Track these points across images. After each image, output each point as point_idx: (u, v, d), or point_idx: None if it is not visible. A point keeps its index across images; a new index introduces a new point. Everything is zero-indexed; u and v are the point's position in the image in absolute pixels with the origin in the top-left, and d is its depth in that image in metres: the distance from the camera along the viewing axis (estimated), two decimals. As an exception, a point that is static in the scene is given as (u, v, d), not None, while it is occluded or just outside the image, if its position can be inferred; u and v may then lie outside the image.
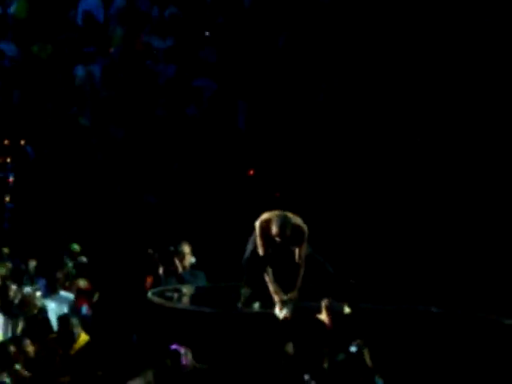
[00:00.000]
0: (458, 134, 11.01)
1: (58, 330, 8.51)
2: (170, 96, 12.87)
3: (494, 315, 7.25)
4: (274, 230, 7.27)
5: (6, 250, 10.59)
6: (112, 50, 13.75)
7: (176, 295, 8.19)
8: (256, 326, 7.18)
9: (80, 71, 13.34)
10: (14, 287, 9.15)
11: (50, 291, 9.69)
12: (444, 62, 11.37)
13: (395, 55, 11.67)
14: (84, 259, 10.41)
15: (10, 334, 8.80)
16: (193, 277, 9.11)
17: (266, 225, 7.36)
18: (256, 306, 7.45)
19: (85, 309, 9.69)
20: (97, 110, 13.09)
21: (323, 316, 6.97)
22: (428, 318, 7.34)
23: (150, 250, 9.84)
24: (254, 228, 7.46)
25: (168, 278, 9.20)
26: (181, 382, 6.93)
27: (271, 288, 7.29)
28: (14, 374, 7.74)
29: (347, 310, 7.00)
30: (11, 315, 8.93)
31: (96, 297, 9.82)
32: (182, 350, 6.94)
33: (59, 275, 9.75)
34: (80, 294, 9.79)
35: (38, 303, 9.07)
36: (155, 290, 8.33)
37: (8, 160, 12.32)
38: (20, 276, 9.94)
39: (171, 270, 9.31)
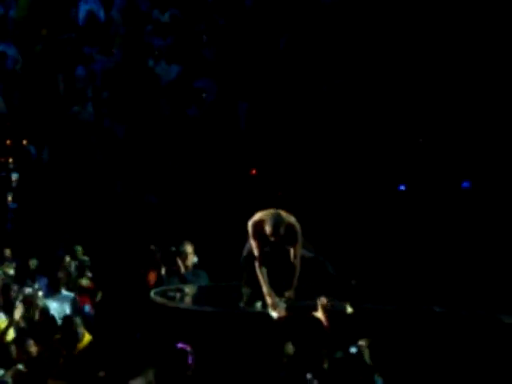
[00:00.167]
0: (457, 132, 11.01)
1: (61, 330, 8.52)
2: (171, 96, 12.89)
3: (496, 314, 7.25)
4: (268, 229, 7.25)
5: (8, 252, 10.59)
6: (114, 50, 13.79)
7: (178, 295, 8.19)
8: (257, 326, 7.19)
9: (81, 71, 13.37)
10: (15, 287, 9.16)
11: (52, 291, 9.70)
12: (443, 58, 11.37)
13: (395, 56, 11.68)
14: (87, 259, 10.43)
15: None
16: (195, 277, 9.10)
17: (258, 225, 7.33)
18: (258, 305, 7.44)
19: (87, 308, 9.72)
20: (98, 109, 13.11)
21: (319, 314, 6.96)
22: (430, 317, 7.33)
23: (153, 247, 9.85)
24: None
25: (170, 278, 9.20)
26: (185, 381, 6.93)
27: (264, 290, 7.28)
28: (15, 374, 7.76)
29: (349, 309, 7.00)
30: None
31: (99, 296, 9.84)
32: (189, 349, 6.94)
33: (61, 275, 9.76)
34: (83, 294, 9.82)
35: (40, 303, 9.07)
36: (158, 289, 8.34)
37: (10, 160, 12.34)
38: (22, 276, 9.95)
39: (173, 270, 9.32)
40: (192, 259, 9.30)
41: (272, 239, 7.27)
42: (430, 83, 11.32)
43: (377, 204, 10.84)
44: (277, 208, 7.51)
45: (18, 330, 8.56)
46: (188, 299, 8.26)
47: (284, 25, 12.70)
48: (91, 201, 12.08)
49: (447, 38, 11.43)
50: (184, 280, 8.94)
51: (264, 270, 7.33)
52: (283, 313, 7.13)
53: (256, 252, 7.36)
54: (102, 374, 7.95)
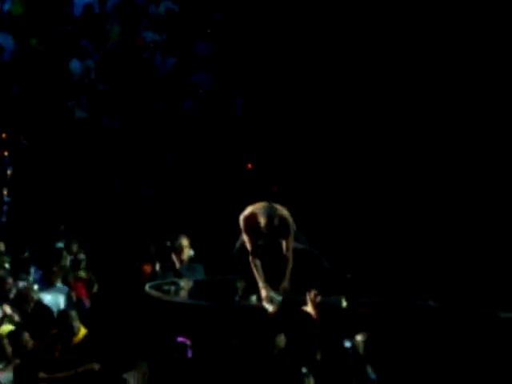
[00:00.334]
0: (456, 128, 11.01)
1: (57, 324, 8.51)
2: (167, 90, 12.88)
3: (492, 309, 7.25)
4: (262, 221, 7.22)
5: (2, 245, 10.57)
6: (110, 43, 13.76)
7: (173, 288, 8.18)
8: (252, 319, 7.18)
9: (76, 65, 13.35)
10: (10, 281, 9.15)
11: (46, 284, 9.69)
12: (442, 55, 11.37)
13: (393, 51, 11.67)
14: (82, 255, 10.42)
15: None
16: (191, 271, 9.07)
17: (250, 218, 7.31)
18: (253, 298, 7.43)
19: (83, 301, 9.71)
20: (94, 103, 13.09)
21: (309, 308, 6.96)
22: (426, 312, 7.32)
23: (148, 241, 9.84)
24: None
25: (165, 274, 9.18)
26: (183, 374, 6.94)
27: (259, 283, 7.27)
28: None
29: (344, 303, 6.99)
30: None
31: (95, 288, 9.84)
32: (188, 342, 6.94)
33: (55, 268, 9.75)
34: (78, 287, 9.81)
35: (35, 297, 9.07)
36: (152, 283, 8.33)
37: (5, 153, 12.32)
38: (17, 270, 9.95)
39: (168, 266, 9.30)
40: (188, 253, 9.28)
41: (265, 231, 7.26)
42: (428, 78, 11.32)
43: (372, 198, 10.84)
44: (270, 202, 7.51)
45: (13, 324, 8.56)
46: (183, 293, 8.25)
47: (281, 19, 12.69)
48: (86, 194, 12.07)
49: (443, 31, 11.43)
50: (179, 275, 8.92)
51: (258, 263, 7.32)
52: (276, 308, 7.12)
53: (249, 246, 7.35)
54: (96, 366, 7.96)
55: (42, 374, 8.00)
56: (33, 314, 8.85)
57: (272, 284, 7.33)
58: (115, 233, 11.40)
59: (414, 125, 11.33)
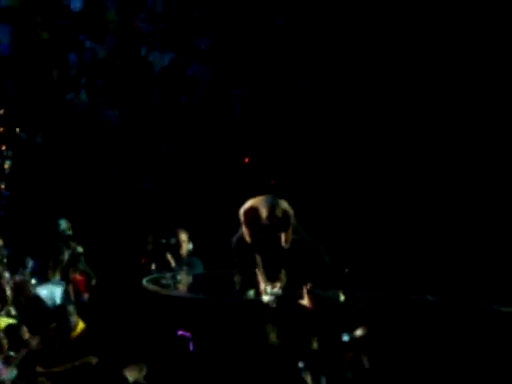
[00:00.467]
0: (454, 124, 11.01)
1: (55, 318, 8.52)
2: (165, 83, 12.87)
3: (489, 302, 7.26)
4: (264, 212, 7.20)
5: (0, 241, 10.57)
6: (107, 37, 13.75)
7: (171, 282, 8.18)
8: (249, 314, 7.18)
9: (74, 58, 13.34)
10: (7, 275, 9.15)
11: (42, 278, 9.68)
12: (440, 51, 11.37)
13: (392, 46, 11.66)
14: (80, 249, 10.41)
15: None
16: (189, 267, 9.04)
17: (250, 212, 7.30)
18: (251, 293, 7.43)
19: (81, 296, 9.71)
20: (92, 96, 13.08)
21: (305, 301, 6.97)
22: (423, 305, 7.33)
23: (147, 234, 9.83)
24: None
25: (161, 272, 9.12)
26: (185, 368, 6.94)
27: (260, 278, 7.27)
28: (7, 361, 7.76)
29: (342, 297, 7.00)
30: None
31: (93, 282, 9.83)
32: (189, 336, 6.94)
33: (51, 263, 9.74)
34: (76, 281, 9.81)
35: (32, 290, 9.07)
36: (150, 277, 8.33)
37: (3, 147, 12.30)
38: (14, 264, 9.94)
39: (163, 264, 9.26)
40: (186, 247, 9.26)
41: (267, 223, 7.22)
42: (427, 73, 11.32)
43: (370, 193, 10.84)
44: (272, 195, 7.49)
45: (10, 318, 8.56)
46: (181, 287, 8.24)
47: (280, 11, 12.67)
48: (84, 188, 12.05)
49: (441, 27, 11.42)
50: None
51: (258, 256, 7.30)
52: (275, 301, 7.13)
53: (248, 239, 7.32)
54: (94, 360, 7.96)
55: (39, 368, 8.01)
56: (29, 308, 8.85)
57: (270, 277, 7.32)
58: (114, 226, 11.39)
59: (411, 118, 11.32)
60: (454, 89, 11.15)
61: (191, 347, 7.00)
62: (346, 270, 7.73)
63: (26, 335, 8.13)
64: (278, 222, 7.26)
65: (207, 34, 13.15)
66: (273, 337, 6.82)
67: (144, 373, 7.19)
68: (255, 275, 7.36)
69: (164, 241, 9.34)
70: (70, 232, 10.62)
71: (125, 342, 8.16)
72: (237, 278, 7.52)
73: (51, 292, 9.40)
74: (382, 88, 11.50)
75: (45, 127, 12.82)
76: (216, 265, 9.16)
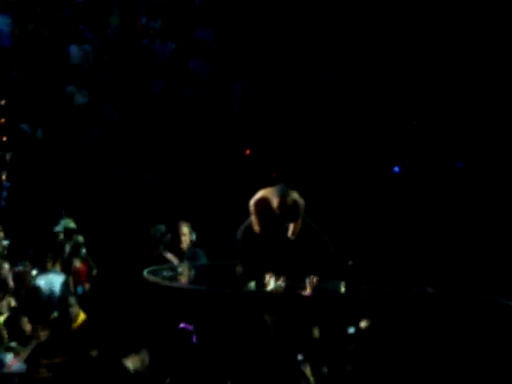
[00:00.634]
0: (452, 116, 11.01)
1: (56, 309, 8.52)
2: (166, 76, 12.86)
3: (490, 295, 7.26)
4: (275, 201, 7.17)
5: (1, 233, 10.57)
6: (109, 30, 13.73)
7: (174, 274, 8.17)
8: (251, 306, 7.18)
9: (75, 50, 13.31)
10: (6, 266, 9.15)
11: (40, 269, 9.68)
12: (439, 44, 11.36)
13: (392, 42, 11.66)
14: (81, 239, 10.41)
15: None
16: (192, 258, 8.98)
17: (261, 203, 7.28)
18: (252, 285, 7.42)
19: (81, 287, 9.72)
20: (93, 89, 13.07)
21: (308, 293, 6.97)
22: (424, 298, 7.33)
23: (149, 226, 9.80)
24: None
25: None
26: (187, 360, 6.94)
27: (265, 269, 7.26)
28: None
29: (343, 289, 6.99)
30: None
31: (94, 273, 9.83)
32: (191, 328, 6.93)
33: (50, 254, 9.74)
34: (77, 272, 9.81)
35: (32, 281, 9.08)
36: (151, 268, 8.31)
37: (4, 139, 12.30)
38: (15, 255, 9.95)
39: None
40: (188, 240, 9.20)
41: (277, 212, 7.19)
42: (424, 66, 11.31)
43: (371, 185, 10.83)
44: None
45: (10, 308, 8.57)
46: (184, 278, 8.23)
47: (280, 7, 12.65)
48: (86, 179, 12.06)
49: (441, 23, 11.41)
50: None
51: (265, 247, 7.27)
52: (280, 291, 7.12)
53: (257, 229, 7.32)
54: (94, 352, 7.96)
55: (40, 360, 8.01)
56: (29, 299, 8.85)
57: (275, 268, 7.30)
58: (115, 217, 11.40)
59: (411, 111, 11.33)
60: (454, 82, 11.14)
61: (194, 340, 7.00)
62: (350, 263, 7.72)
63: (27, 326, 8.13)
64: (287, 211, 7.24)
65: (208, 27, 13.14)
66: (272, 329, 6.81)
67: (146, 363, 7.18)
68: (259, 267, 7.35)
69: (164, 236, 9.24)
70: (74, 225, 10.63)
71: (126, 333, 8.15)
72: (238, 269, 7.51)
73: (50, 282, 9.40)
74: (382, 81, 11.49)
75: (46, 119, 12.81)
76: (218, 256, 9.14)
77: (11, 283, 8.90)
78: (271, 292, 7.16)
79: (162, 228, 9.85)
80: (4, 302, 8.65)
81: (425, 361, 6.74)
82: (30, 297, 8.90)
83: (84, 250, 10.15)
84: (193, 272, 8.35)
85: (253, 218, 7.36)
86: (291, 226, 7.34)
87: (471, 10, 11.28)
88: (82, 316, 8.39)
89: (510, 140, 10.75)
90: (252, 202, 7.36)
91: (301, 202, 7.34)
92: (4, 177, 11.97)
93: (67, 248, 10.11)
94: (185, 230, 9.07)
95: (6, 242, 10.24)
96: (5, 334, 7.95)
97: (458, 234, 10.06)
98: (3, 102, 12.64)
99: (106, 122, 12.72)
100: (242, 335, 6.81)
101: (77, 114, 12.77)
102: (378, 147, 11.15)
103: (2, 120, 12.58)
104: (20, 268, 9.21)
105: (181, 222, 9.17)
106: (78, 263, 9.95)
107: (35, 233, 10.83)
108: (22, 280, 9.04)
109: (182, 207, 11.01)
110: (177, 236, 9.06)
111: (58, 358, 8.04)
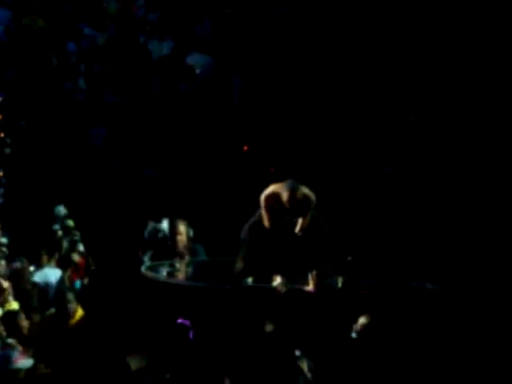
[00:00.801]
0: (452, 115, 11.01)
1: (53, 305, 8.51)
2: (164, 72, 12.84)
3: (488, 291, 7.25)
4: (285, 195, 7.15)
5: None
6: (108, 25, 13.72)
7: (173, 270, 8.16)
8: (248, 302, 7.18)
9: (73, 46, 13.31)
10: (2, 262, 9.14)
11: (36, 266, 9.67)
12: (438, 41, 11.36)
13: (388, 38, 11.65)
14: (78, 236, 10.40)
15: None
16: (191, 254, 8.92)
17: (272, 197, 7.24)
18: (249, 280, 7.40)
19: (78, 283, 9.71)
20: (91, 84, 13.05)
21: (310, 288, 6.97)
22: (423, 294, 7.32)
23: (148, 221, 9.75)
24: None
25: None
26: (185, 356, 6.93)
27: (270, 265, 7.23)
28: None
29: (340, 284, 7.00)
30: None
31: (91, 269, 9.83)
32: (189, 324, 6.93)
33: (45, 249, 9.73)
34: (74, 269, 9.80)
35: (30, 278, 9.08)
36: (150, 264, 8.31)
37: (2, 135, 12.28)
38: (13, 251, 9.94)
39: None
40: (184, 240, 9.12)
41: (287, 206, 7.16)
42: (420, 62, 11.31)
43: (370, 180, 10.83)
44: (269, 184, 7.46)
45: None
46: (182, 274, 8.23)
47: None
48: (84, 175, 12.05)
49: (441, 23, 11.41)
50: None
51: (272, 243, 7.23)
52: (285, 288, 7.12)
53: (267, 224, 7.27)
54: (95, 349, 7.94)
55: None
56: (27, 295, 8.85)
57: (281, 265, 7.26)
58: (113, 213, 11.39)
59: (408, 107, 11.33)
60: (455, 80, 11.14)
61: (191, 335, 6.99)
62: (349, 258, 7.72)
63: (24, 322, 8.12)
64: (298, 205, 7.21)
65: (206, 22, 13.13)
66: (271, 325, 6.81)
67: (147, 360, 7.18)
68: (261, 263, 7.32)
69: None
70: (71, 221, 10.61)
71: (124, 329, 8.15)
72: (239, 265, 7.46)
73: (45, 277, 9.40)
74: (382, 76, 11.49)
75: (44, 114, 12.80)
76: (217, 252, 9.12)
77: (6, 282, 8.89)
78: (275, 288, 7.14)
79: (156, 225, 9.83)
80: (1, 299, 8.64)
81: (423, 356, 6.74)
82: (27, 293, 8.90)
83: (81, 246, 10.14)
84: (191, 268, 8.35)
85: (262, 213, 7.32)
86: (299, 222, 7.28)
87: (465, 4, 11.29)
88: (79, 312, 8.38)
89: (505, 136, 10.75)
90: (262, 196, 7.32)
91: (312, 197, 7.32)
92: (1, 173, 11.95)
93: (65, 244, 10.09)
94: (181, 229, 9.00)
95: (4, 240, 10.21)
96: (2, 330, 7.94)
97: (456, 229, 10.06)
98: (0, 99, 12.62)
99: (105, 117, 12.71)
100: (240, 331, 6.82)
101: (75, 110, 12.75)
102: (376, 143, 11.14)
103: (0, 116, 12.56)
104: (17, 264, 9.20)
105: (177, 221, 9.10)
106: (75, 258, 9.93)
107: (32, 229, 10.81)
108: (20, 276, 9.02)
109: (180, 202, 11.01)
110: (173, 235, 9.01)
111: (55, 355, 8.04)
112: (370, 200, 10.66)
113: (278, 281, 7.18)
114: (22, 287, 8.93)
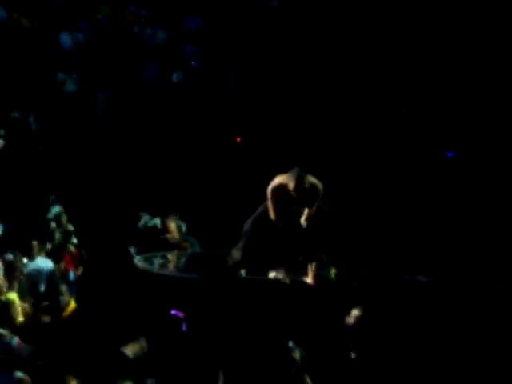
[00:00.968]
0: (445, 109, 11.03)
1: (46, 297, 8.51)
2: (157, 63, 12.84)
3: (482, 283, 7.27)
4: (291, 184, 7.00)
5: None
6: (100, 17, 13.70)
7: (165, 262, 8.16)
8: (241, 293, 7.18)
9: (66, 38, 13.28)
10: None
11: (28, 257, 9.66)
12: (437, 43, 11.38)
13: (384, 33, 11.67)
14: (71, 227, 10.40)
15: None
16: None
17: (279, 188, 7.10)
18: (242, 272, 7.39)
19: (72, 275, 9.71)
20: (84, 77, 13.04)
21: (309, 279, 6.98)
22: (415, 286, 7.33)
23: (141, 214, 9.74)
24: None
25: None
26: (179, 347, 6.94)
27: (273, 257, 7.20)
28: None
29: (332, 275, 7.00)
30: None
31: (85, 261, 9.83)
32: (182, 316, 6.92)
33: (36, 241, 9.72)
34: (67, 260, 9.80)
35: (24, 269, 9.08)
36: (144, 255, 8.30)
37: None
38: (6, 242, 9.94)
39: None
40: (175, 237, 9.09)
41: (294, 194, 7.01)
42: (425, 68, 11.33)
43: (364, 174, 10.83)
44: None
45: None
46: (171, 266, 8.22)
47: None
48: (78, 167, 12.05)
49: (437, 18, 11.43)
50: None
51: (277, 235, 7.15)
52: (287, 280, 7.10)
53: (273, 215, 7.16)
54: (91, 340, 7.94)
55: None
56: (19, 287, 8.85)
57: (283, 257, 7.23)
58: (107, 205, 11.38)
59: (400, 97, 11.34)
60: (455, 77, 11.16)
61: (184, 327, 6.99)
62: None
63: (17, 313, 8.11)
64: (304, 194, 7.06)
65: (199, 12, 13.12)
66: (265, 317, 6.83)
67: (145, 349, 7.17)
68: (260, 254, 7.27)
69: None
70: (65, 217, 10.60)
71: (124, 321, 8.15)
72: (235, 254, 7.39)
73: (37, 269, 9.40)
74: (376, 68, 11.50)
75: (37, 106, 12.78)
76: (211, 243, 9.11)
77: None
78: (278, 280, 7.11)
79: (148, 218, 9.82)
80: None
81: (416, 347, 6.75)
82: (20, 285, 8.90)
83: (74, 238, 10.13)
84: (183, 259, 8.33)
85: (269, 204, 7.18)
86: (305, 213, 7.17)
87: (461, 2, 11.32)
88: (72, 304, 8.38)
89: (501, 129, 10.77)
90: (269, 188, 7.17)
91: (319, 186, 7.18)
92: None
93: (57, 235, 10.09)
94: (172, 226, 8.95)
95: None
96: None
97: (449, 221, 10.07)
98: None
99: (99, 110, 12.70)
100: (234, 322, 6.83)
101: (68, 102, 12.74)
102: (372, 132, 11.13)
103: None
104: (10, 256, 9.19)
105: (167, 218, 9.04)
106: (69, 250, 9.93)
107: (25, 221, 10.80)
108: (13, 268, 9.01)
109: (175, 195, 11.01)
110: (164, 232, 8.97)
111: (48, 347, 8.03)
112: (363, 191, 10.67)
113: (281, 273, 7.13)
114: (15, 279, 8.92)
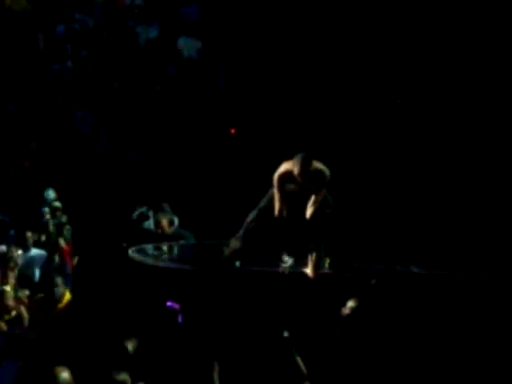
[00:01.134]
0: (450, 110, 11.04)
1: (41, 289, 8.50)
2: (151, 55, 12.83)
3: (476, 274, 7.29)
4: (296, 169, 6.87)
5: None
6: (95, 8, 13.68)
7: (160, 253, 8.16)
8: (237, 284, 7.19)
9: (61, 30, 13.27)
10: None
11: (21, 248, 9.66)
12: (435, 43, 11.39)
13: (386, 34, 11.67)
14: (64, 218, 10.40)
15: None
16: (179, 239, 8.88)
17: (284, 175, 6.98)
18: (237, 264, 7.38)
19: (66, 266, 9.71)
20: (78, 67, 13.03)
21: (309, 270, 6.99)
22: (408, 278, 7.34)
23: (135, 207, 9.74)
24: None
25: None
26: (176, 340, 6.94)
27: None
28: None
29: (326, 265, 7.00)
30: None
31: (79, 253, 9.83)
32: (178, 307, 6.92)
33: (30, 232, 9.71)
34: (61, 252, 9.81)
35: (19, 261, 9.06)
36: (138, 247, 8.30)
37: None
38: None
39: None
40: (168, 227, 9.07)
41: (299, 180, 6.89)
42: (425, 69, 11.34)
43: (362, 166, 10.84)
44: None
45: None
46: (166, 257, 8.23)
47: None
48: (72, 158, 12.05)
49: (439, 26, 11.44)
50: None
51: (281, 225, 7.05)
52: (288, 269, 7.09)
53: (278, 206, 7.00)
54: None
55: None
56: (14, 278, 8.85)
57: (294, 248, 7.18)
58: (101, 197, 11.38)
59: (396, 90, 11.34)
60: (454, 77, 11.16)
61: (180, 319, 7.00)
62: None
63: (10, 301, 8.09)
64: (310, 179, 6.93)
65: (194, 4, 13.11)
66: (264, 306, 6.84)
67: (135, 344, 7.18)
68: (257, 245, 7.22)
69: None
70: (58, 204, 10.61)
71: (112, 313, 8.15)
72: (233, 243, 7.34)
73: (29, 261, 9.40)
74: (373, 66, 11.50)
75: (31, 97, 12.77)
76: (205, 236, 9.11)
77: None
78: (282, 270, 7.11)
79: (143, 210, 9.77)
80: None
81: (411, 340, 6.77)
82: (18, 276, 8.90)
83: (69, 229, 10.13)
84: (176, 251, 8.32)
85: (274, 192, 7.04)
86: (312, 197, 7.02)
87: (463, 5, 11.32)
88: (67, 296, 8.36)
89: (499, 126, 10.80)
90: (275, 176, 7.03)
91: (326, 171, 7.05)
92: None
93: (51, 227, 10.09)
94: (163, 221, 8.92)
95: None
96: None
97: (443, 212, 10.09)
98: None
99: (92, 99, 12.70)
100: (230, 313, 6.84)
101: (62, 94, 12.73)
102: (370, 124, 11.12)
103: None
104: (3, 248, 9.18)
105: (159, 213, 9.00)
106: (63, 242, 9.94)
107: (19, 213, 10.80)
108: (8, 257, 9.01)
109: (167, 187, 11.01)
110: (156, 225, 8.94)
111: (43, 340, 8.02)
112: (358, 184, 10.68)
113: (287, 261, 7.08)
114: (10, 270, 8.92)
